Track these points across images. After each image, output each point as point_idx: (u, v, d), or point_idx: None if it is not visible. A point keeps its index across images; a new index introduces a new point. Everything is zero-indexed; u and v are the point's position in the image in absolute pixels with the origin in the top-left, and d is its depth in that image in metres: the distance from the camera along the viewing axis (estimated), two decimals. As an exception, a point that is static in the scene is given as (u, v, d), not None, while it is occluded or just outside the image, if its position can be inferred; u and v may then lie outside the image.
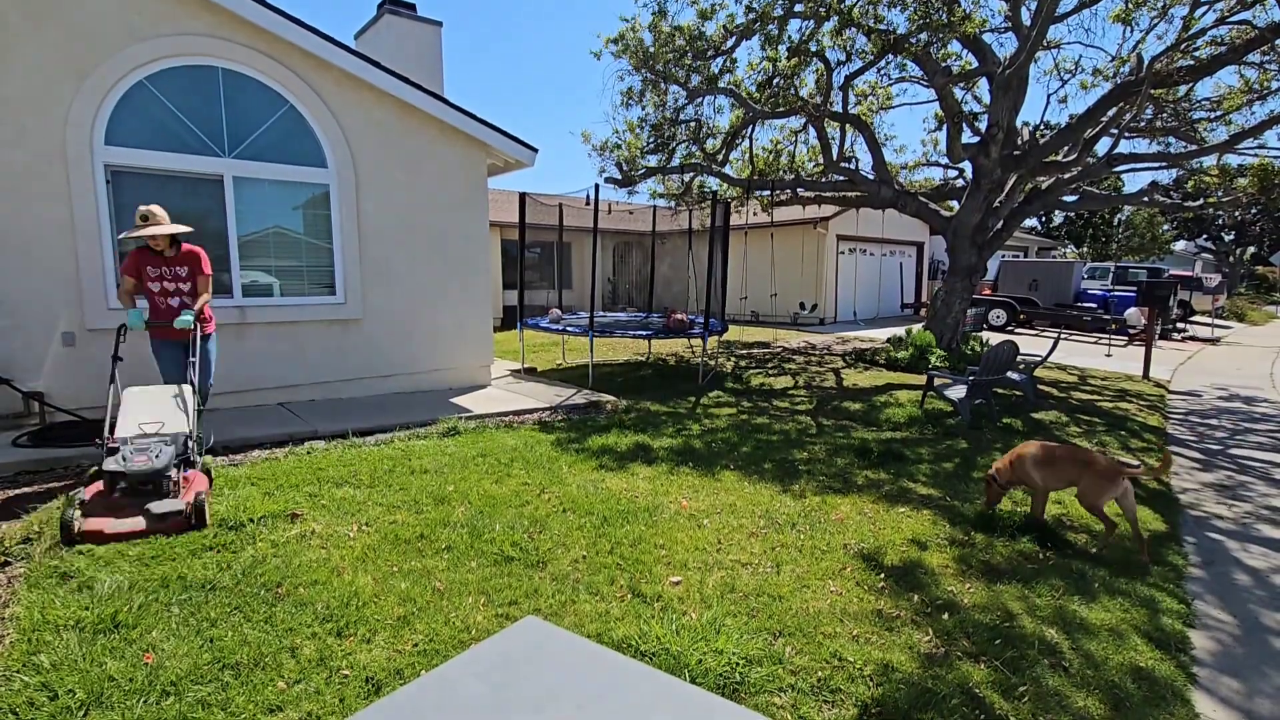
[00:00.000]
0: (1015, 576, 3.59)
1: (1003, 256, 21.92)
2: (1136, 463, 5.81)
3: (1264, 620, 3.32)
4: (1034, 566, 3.72)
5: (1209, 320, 20.07)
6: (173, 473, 3.83)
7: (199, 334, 4.74)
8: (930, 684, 2.64)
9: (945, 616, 3.15)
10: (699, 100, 12.31)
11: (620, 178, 13.10)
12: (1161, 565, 3.83)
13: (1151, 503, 4.90)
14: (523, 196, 9.97)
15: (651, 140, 12.82)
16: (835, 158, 12.15)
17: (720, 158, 12.87)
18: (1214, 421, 7.70)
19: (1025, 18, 9.85)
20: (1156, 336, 13.86)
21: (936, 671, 2.72)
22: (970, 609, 3.23)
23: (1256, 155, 11.31)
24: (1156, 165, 11.19)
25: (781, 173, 13.53)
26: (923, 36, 9.89)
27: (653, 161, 13.12)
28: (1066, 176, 10.84)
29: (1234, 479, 5.61)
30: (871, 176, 11.93)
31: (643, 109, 12.60)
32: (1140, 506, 4.80)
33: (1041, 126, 11.64)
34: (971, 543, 4.01)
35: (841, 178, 12.34)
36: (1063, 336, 11.86)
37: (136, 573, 3.27)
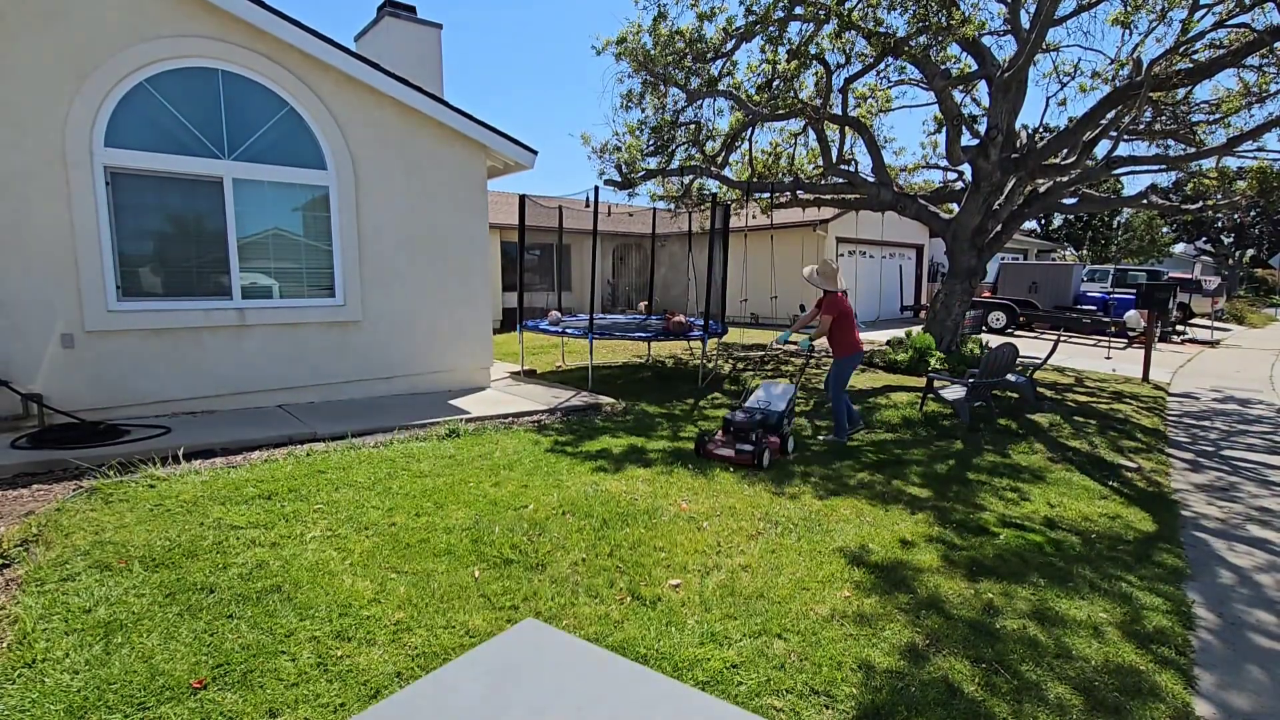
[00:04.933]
0: (1008, 577, 3.59)
1: (1002, 259, 21.94)
2: (1139, 465, 5.83)
3: (1249, 619, 3.33)
4: (1028, 566, 3.72)
5: (1208, 323, 20.09)
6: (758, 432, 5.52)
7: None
8: (931, 688, 2.63)
9: (943, 619, 3.14)
10: (699, 102, 12.31)
11: (620, 180, 13.10)
12: (1152, 565, 3.84)
13: (1144, 502, 4.90)
14: (522, 198, 9.98)
15: (651, 142, 12.83)
16: (835, 160, 12.16)
17: (720, 160, 12.88)
18: (1209, 423, 7.70)
19: (1024, 20, 9.86)
20: (1156, 339, 13.87)
21: (933, 675, 2.72)
22: (966, 609, 3.23)
23: (1255, 158, 11.32)
24: (1155, 168, 11.19)
25: (781, 175, 13.54)
26: (922, 39, 9.90)
27: (652, 164, 13.12)
28: (1065, 179, 10.85)
29: (1226, 480, 5.63)
30: (871, 179, 11.94)
31: (642, 111, 12.60)
32: (1131, 506, 4.81)
33: (1041, 129, 11.65)
34: (967, 544, 4.01)
35: (841, 180, 12.34)
36: (1062, 339, 11.86)
37: (135, 575, 3.27)
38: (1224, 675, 2.86)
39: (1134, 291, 14.69)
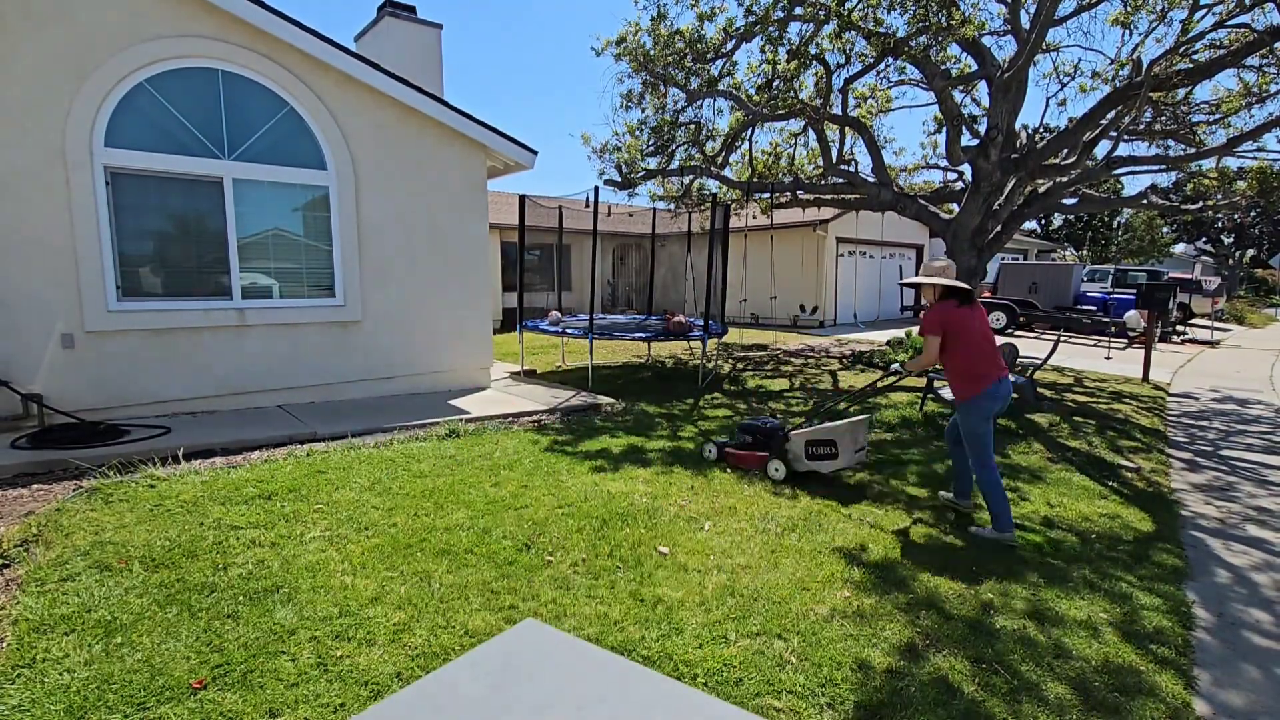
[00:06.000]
0: (1006, 577, 3.59)
1: (1002, 259, 21.94)
2: (1137, 465, 5.83)
3: (1246, 618, 3.34)
4: (1027, 566, 3.72)
5: (1208, 323, 20.09)
6: None
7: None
8: (930, 688, 2.63)
9: (942, 619, 3.15)
10: (699, 103, 12.32)
11: (620, 180, 13.11)
12: (1150, 565, 3.84)
13: (1143, 502, 4.90)
14: (522, 199, 9.98)
15: (651, 143, 12.84)
16: (835, 160, 12.17)
17: (720, 160, 12.88)
18: (1207, 423, 7.70)
19: (1024, 21, 9.86)
20: (1156, 339, 13.87)
21: (932, 674, 2.72)
22: (964, 609, 3.23)
23: (1255, 158, 11.33)
24: (1155, 168, 11.19)
25: (781, 175, 13.54)
26: (922, 39, 9.91)
27: (652, 164, 13.13)
28: (1065, 179, 10.85)
29: (1224, 479, 5.64)
30: (871, 179, 11.94)
31: (642, 111, 12.62)
32: (1130, 506, 4.81)
33: (1041, 129, 11.66)
34: (966, 544, 4.01)
35: (841, 180, 12.35)
36: (1062, 339, 11.86)
37: (135, 575, 3.27)
38: (1222, 674, 2.86)
39: (1134, 292, 14.72)
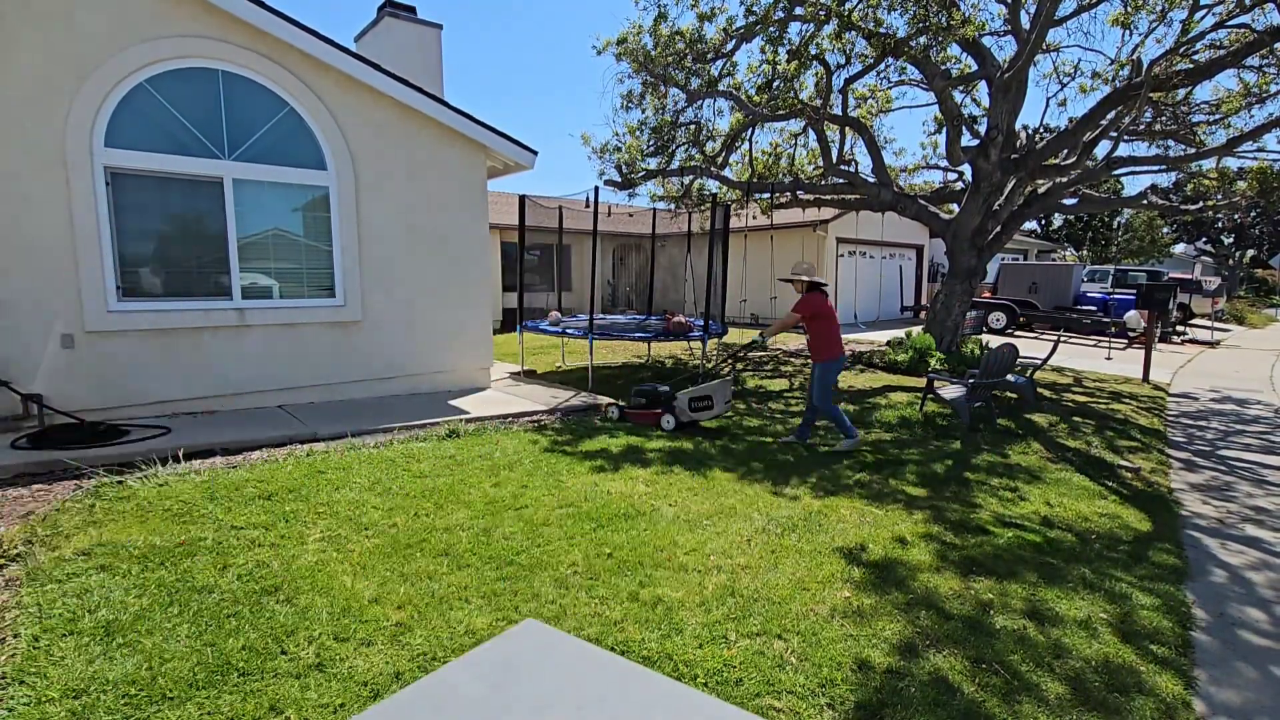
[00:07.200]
0: (1006, 577, 3.59)
1: (1002, 259, 21.94)
2: (1136, 465, 5.83)
3: (1244, 617, 3.35)
4: (1026, 566, 3.73)
5: (1208, 323, 20.09)
6: None
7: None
8: (930, 687, 2.64)
9: (942, 619, 3.15)
10: (699, 103, 12.32)
11: (620, 180, 13.10)
12: (1149, 564, 3.84)
13: (1141, 502, 4.91)
14: (522, 199, 9.98)
15: (651, 143, 12.83)
16: (835, 160, 12.17)
17: (720, 160, 12.88)
18: (1206, 423, 7.71)
19: (1024, 21, 9.87)
20: (1156, 339, 13.88)
21: (931, 674, 2.73)
22: (964, 608, 3.23)
23: (1255, 158, 11.33)
24: (1155, 168, 11.19)
25: (781, 175, 13.54)
26: (922, 40, 9.91)
27: (652, 164, 13.13)
28: (1066, 180, 10.85)
29: (1221, 479, 5.65)
30: (871, 179, 11.94)
31: (643, 112, 12.61)
32: (1129, 506, 4.81)
33: (1041, 129, 11.66)
34: (966, 544, 4.02)
35: (841, 180, 12.35)
36: (1062, 339, 11.86)
37: (136, 575, 3.27)
38: (1220, 673, 2.86)
39: (1134, 292, 14.71)
